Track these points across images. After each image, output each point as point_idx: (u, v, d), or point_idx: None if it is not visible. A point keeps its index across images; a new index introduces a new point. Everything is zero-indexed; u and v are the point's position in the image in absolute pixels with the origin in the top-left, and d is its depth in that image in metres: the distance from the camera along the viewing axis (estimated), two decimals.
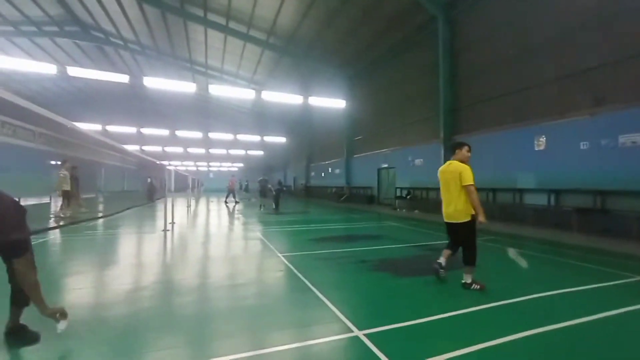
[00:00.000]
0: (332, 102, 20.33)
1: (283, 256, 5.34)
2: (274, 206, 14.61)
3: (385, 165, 17.67)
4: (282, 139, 35.27)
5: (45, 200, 13.47)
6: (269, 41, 19.20)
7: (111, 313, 2.98)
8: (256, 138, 35.23)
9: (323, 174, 25.96)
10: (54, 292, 3.50)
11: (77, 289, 3.78)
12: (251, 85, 25.93)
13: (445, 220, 3.81)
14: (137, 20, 19.14)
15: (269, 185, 14.29)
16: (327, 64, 20.44)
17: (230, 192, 19.01)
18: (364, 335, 2.44)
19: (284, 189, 29.94)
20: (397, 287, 3.81)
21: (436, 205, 13.74)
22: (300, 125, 30.64)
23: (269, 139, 35.33)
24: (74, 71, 16.47)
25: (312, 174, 29.17)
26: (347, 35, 16.79)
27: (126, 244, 6.78)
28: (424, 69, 14.30)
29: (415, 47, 15.06)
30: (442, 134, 12.96)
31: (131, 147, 38.25)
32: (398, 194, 15.60)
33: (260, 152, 43.77)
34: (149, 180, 21.54)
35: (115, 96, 34.04)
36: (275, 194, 14.85)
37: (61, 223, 8.74)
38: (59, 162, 11.86)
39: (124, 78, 17.85)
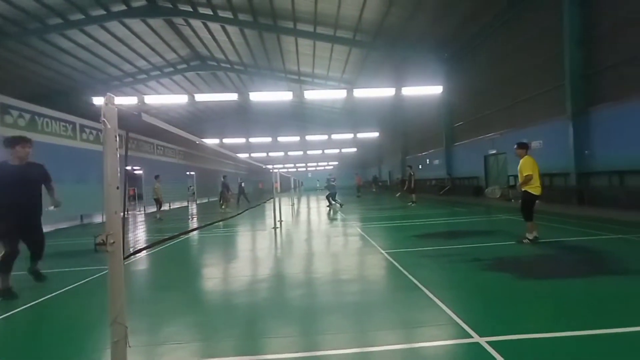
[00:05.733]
0: (427, 90, 19.00)
1: (386, 253, 5.26)
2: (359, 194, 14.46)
3: (494, 152, 15.57)
4: (375, 134, 34.87)
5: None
6: (356, 38, 19.21)
7: (238, 300, 3.48)
8: (349, 136, 35.83)
9: (421, 166, 24.55)
10: (194, 279, 4.28)
11: (212, 278, 4.53)
12: (341, 85, 26.47)
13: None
14: (239, 44, 21.89)
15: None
16: (420, 50, 19.26)
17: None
18: (487, 342, 2.19)
19: (379, 183, 29.45)
20: (522, 290, 3.32)
21: (565, 194, 11.31)
22: (394, 117, 29.73)
23: (362, 135, 35.42)
24: (199, 97, 20.22)
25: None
26: (440, 14, 15.41)
27: (243, 240, 7.80)
28: (542, 33, 12.02)
29: (527, 10, 12.78)
30: (570, 108, 10.67)
31: (243, 155, 43.52)
32: (511, 182, 13.52)
33: (353, 149, 44.31)
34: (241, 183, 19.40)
35: (227, 113, 39.69)
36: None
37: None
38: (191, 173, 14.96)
39: (233, 96, 20.81)
